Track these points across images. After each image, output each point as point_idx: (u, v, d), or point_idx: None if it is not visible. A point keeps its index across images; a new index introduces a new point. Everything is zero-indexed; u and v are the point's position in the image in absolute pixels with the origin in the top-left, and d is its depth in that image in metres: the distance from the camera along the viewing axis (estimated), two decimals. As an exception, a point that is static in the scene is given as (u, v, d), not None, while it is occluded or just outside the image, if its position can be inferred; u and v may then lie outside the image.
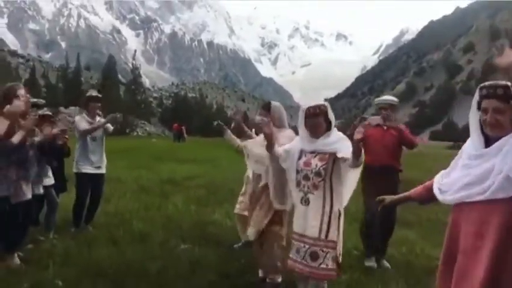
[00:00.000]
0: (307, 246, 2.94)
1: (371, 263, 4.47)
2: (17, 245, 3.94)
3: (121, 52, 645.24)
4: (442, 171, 2.34)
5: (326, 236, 2.90)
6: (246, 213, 4.52)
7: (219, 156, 18.05)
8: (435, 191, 2.27)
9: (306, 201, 2.99)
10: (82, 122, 5.25)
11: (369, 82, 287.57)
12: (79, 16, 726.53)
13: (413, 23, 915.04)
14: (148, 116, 68.69)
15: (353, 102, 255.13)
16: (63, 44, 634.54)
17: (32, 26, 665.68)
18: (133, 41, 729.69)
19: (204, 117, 71.74)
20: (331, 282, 3.17)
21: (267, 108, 3.66)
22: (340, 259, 2.97)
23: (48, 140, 4.14)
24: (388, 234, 4.62)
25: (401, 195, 2.60)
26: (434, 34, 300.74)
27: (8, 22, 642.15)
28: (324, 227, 2.90)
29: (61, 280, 3.54)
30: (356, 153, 2.75)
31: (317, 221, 2.92)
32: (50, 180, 4.64)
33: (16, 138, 3.55)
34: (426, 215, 7.55)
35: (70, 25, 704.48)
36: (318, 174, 2.95)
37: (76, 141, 5.28)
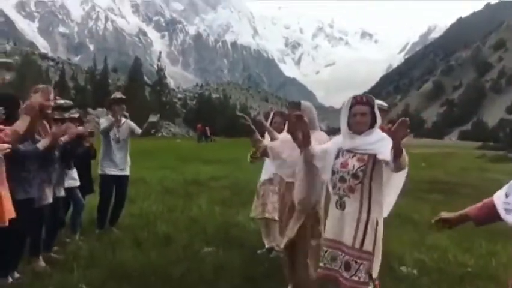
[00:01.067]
0: (343, 255, 2.70)
1: None
2: (40, 249, 3.96)
3: (147, 54, 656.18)
4: (505, 187, 2.00)
5: (361, 246, 2.62)
6: (266, 215, 4.54)
7: (243, 156, 17.92)
8: (501, 211, 1.94)
9: (341, 205, 2.75)
10: (104, 122, 5.27)
11: (395, 81, 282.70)
12: (107, 19, 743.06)
13: (441, 20, 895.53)
14: (172, 116, 69.53)
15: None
16: (91, 47, 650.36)
17: (61, 29, 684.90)
18: (158, 43, 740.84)
19: (227, 118, 72.02)
20: None
21: (297, 107, 3.37)
22: (375, 274, 2.65)
23: (73, 141, 4.15)
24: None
25: (458, 214, 2.24)
26: (462, 31, 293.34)
27: (39, 26, 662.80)
28: (360, 235, 2.64)
29: (85, 283, 3.54)
30: (395, 153, 2.46)
31: (352, 227, 2.67)
32: (75, 182, 4.67)
33: (42, 145, 3.55)
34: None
35: (98, 28, 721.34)
36: (355, 176, 2.70)
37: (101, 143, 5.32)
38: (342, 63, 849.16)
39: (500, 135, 76.88)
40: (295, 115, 2.86)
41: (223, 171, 13.36)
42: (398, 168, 2.55)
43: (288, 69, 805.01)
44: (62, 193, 4.23)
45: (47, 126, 3.82)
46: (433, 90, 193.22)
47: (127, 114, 5.64)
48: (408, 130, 2.41)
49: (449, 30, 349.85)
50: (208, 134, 41.74)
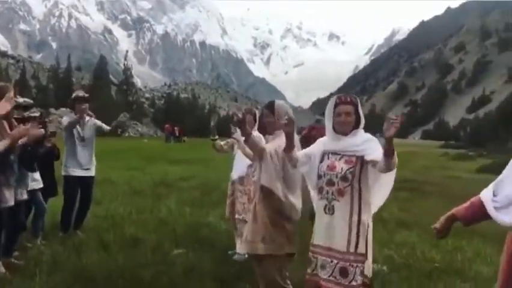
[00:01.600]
0: (335, 261, 2.58)
1: None
2: (1, 253, 3.75)
3: (113, 53, 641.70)
4: (491, 185, 2.02)
5: (356, 249, 2.55)
6: (236, 216, 4.49)
7: (212, 156, 17.88)
8: (490, 210, 1.94)
9: (330, 210, 2.63)
10: (66, 120, 5.06)
11: (361, 82, 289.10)
12: (70, 16, 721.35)
13: (405, 23, 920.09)
14: (140, 116, 68.31)
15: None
16: (54, 45, 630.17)
17: (22, 26, 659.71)
18: (124, 42, 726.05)
19: (196, 118, 71.44)
20: None
21: (271, 108, 3.25)
22: (370, 273, 2.61)
23: (34, 143, 3.96)
24: None
25: (445, 217, 2.20)
26: (425, 34, 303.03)
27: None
28: (353, 238, 2.56)
29: (48, 289, 3.37)
30: (386, 152, 2.39)
31: (345, 232, 2.57)
32: (37, 184, 4.44)
33: (1, 146, 3.36)
34: (423, 215, 7.49)
35: (61, 25, 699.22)
36: (344, 178, 2.60)
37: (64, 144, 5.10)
38: (311, 64, 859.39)
39: (461, 134, 79.99)
40: (288, 119, 2.72)
41: (192, 172, 13.20)
42: (388, 168, 2.47)
43: (257, 70, 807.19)
44: (25, 196, 4.02)
45: (6, 127, 3.61)
46: (397, 90, 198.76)
47: (91, 114, 5.44)
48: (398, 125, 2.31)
49: (412, 33, 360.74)
50: (177, 134, 41.26)
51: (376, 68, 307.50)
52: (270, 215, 3.06)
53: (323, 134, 5.27)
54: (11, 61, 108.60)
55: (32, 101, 4.54)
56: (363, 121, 2.72)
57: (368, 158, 2.58)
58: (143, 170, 13.19)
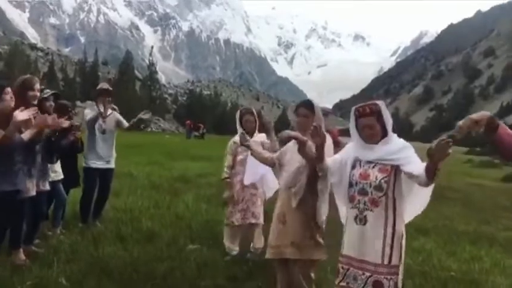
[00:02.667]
0: (368, 274, 2.47)
1: None
2: (20, 241, 3.87)
3: (139, 48, 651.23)
4: None
5: (389, 261, 2.45)
6: (253, 221, 4.47)
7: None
8: None
9: (362, 220, 2.52)
10: (90, 113, 5.18)
11: (386, 84, 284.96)
12: (99, 12, 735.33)
13: (432, 26, 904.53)
14: (162, 112, 69.12)
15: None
16: (82, 39, 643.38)
17: (52, 20, 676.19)
18: (150, 38, 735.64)
19: (218, 115, 71.85)
20: None
21: (310, 107, 3.10)
22: (400, 285, 2.51)
23: (58, 134, 4.07)
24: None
25: (480, 118, 2.13)
26: (453, 37, 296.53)
27: (30, 16, 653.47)
28: (387, 250, 2.45)
29: (65, 278, 3.46)
30: (431, 174, 2.26)
31: (379, 244, 2.46)
32: (57, 175, 4.56)
33: (26, 136, 3.47)
34: (442, 221, 7.36)
35: (90, 20, 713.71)
36: (378, 188, 2.48)
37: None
38: (334, 65, 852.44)
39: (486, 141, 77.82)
40: (314, 127, 2.60)
41: (211, 168, 13.26)
42: (426, 185, 2.38)
43: (280, 69, 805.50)
44: (47, 187, 4.14)
45: (32, 117, 3.72)
46: (423, 94, 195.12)
47: (115, 107, 5.55)
48: (450, 150, 2.16)
49: (440, 36, 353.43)
50: (202, 132, 41.44)
51: (401, 70, 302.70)
52: (303, 219, 3.04)
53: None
54: (40, 54, 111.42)
55: (50, 91, 4.64)
56: (390, 126, 2.54)
57: (404, 169, 2.44)
58: (163, 165, 13.35)
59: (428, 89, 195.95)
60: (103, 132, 5.23)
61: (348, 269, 2.57)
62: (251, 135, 4.29)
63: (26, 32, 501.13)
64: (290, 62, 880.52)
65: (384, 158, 2.50)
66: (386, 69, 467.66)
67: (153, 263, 3.99)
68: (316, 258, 3.09)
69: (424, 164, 2.32)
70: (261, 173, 4.37)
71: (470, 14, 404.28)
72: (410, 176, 2.40)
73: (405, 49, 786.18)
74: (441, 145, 2.15)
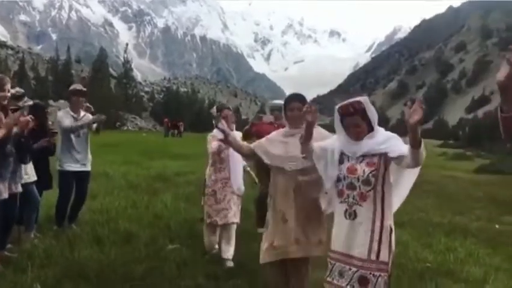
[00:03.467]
0: (354, 269, 2.43)
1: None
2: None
3: (113, 45, 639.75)
4: None
5: (377, 257, 2.39)
6: (234, 220, 4.35)
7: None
8: None
9: (351, 215, 2.47)
10: (65, 118, 5.04)
11: (362, 79, 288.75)
12: (71, 8, 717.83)
13: (406, 21, 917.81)
14: (139, 110, 68.24)
15: (345, 98, 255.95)
16: (54, 36, 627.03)
17: (22, 17, 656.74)
18: (125, 35, 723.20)
19: (195, 112, 71.33)
20: None
21: (303, 100, 3.02)
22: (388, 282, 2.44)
23: (27, 133, 3.95)
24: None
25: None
26: (426, 32, 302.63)
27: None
28: (375, 246, 2.40)
29: (40, 283, 3.37)
30: (412, 143, 2.20)
31: (366, 238, 2.42)
32: (30, 177, 4.43)
33: None
34: (417, 214, 7.53)
35: (61, 17, 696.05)
36: (367, 182, 2.44)
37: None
38: (311, 61, 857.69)
39: (459, 133, 79.93)
40: (311, 107, 2.57)
41: (189, 167, 13.18)
42: (415, 162, 2.30)
43: (257, 65, 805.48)
44: (19, 189, 4.01)
45: (2, 117, 3.60)
46: (398, 89, 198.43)
47: (90, 106, 5.43)
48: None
49: (413, 31, 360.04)
50: (180, 130, 41.02)
51: (376, 65, 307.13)
52: (307, 211, 2.95)
53: (261, 131, 5.33)
54: (10, 52, 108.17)
55: (23, 90, 4.53)
56: (376, 120, 2.51)
57: (392, 155, 2.40)
58: (141, 164, 13.19)
59: (403, 84, 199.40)
60: (78, 135, 5.11)
61: (334, 264, 2.53)
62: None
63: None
64: (267, 58, 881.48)
65: (371, 151, 2.46)
66: (361, 64, 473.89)
67: (131, 264, 3.93)
68: (317, 255, 2.99)
69: (408, 146, 2.30)
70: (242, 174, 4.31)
71: (442, 9, 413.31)
72: (399, 158, 2.36)
73: (379, 45, 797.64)
74: (411, 109, 2.12)
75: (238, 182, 4.36)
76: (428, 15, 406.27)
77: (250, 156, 3.34)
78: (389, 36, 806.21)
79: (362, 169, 2.46)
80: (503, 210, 8.70)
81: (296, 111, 2.99)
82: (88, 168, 5.27)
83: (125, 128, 52.19)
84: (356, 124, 2.48)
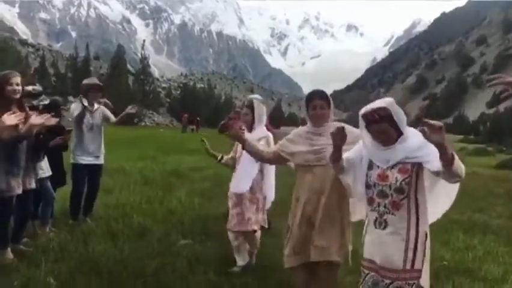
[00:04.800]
0: (387, 281, 2.31)
1: None
2: (8, 240, 3.81)
3: (131, 42, 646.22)
4: None
5: (412, 266, 2.27)
6: (250, 228, 3.89)
7: (226, 148, 17.91)
8: None
9: (382, 224, 2.34)
10: (76, 109, 5.08)
11: (379, 74, 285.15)
12: (89, 6, 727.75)
13: (425, 15, 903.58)
14: (156, 106, 68.76)
15: (362, 94, 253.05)
16: (73, 34, 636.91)
17: (43, 15, 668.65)
18: (142, 31, 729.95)
19: (212, 108, 71.61)
20: None
21: (325, 97, 2.91)
22: (426, 286, 2.34)
23: (47, 133, 4.02)
24: None
25: None
26: (446, 26, 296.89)
27: (20, 11, 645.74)
28: (410, 255, 2.27)
29: (53, 277, 3.40)
30: (445, 161, 2.06)
31: (400, 249, 2.28)
32: (45, 172, 4.48)
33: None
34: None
35: (80, 15, 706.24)
36: (399, 190, 2.29)
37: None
38: (328, 56, 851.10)
39: (480, 129, 78.43)
40: (339, 129, 2.44)
41: (205, 162, 13.18)
42: (454, 178, 2.16)
43: (274, 61, 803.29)
44: (33, 185, 4.06)
45: (17, 111, 3.64)
46: (416, 83, 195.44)
47: (108, 102, 5.47)
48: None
49: (432, 25, 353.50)
50: (196, 126, 41.14)
51: (395, 60, 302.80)
52: (332, 214, 2.86)
53: (238, 124, 5.47)
54: (31, 49, 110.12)
55: (41, 89, 4.57)
56: (404, 124, 2.34)
57: (429, 167, 2.25)
58: (157, 160, 13.27)
59: (422, 78, 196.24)
60: (91, 127, 5.15)
61: (367, 274, 2.42)
62: (249, 130, 3.98)
63: (16, 28, 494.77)
64: (284, 53, 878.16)
65: (404, 159, 2.30)
66: (379, 59, 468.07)
67: (144, 260, 3.94)
68: (338, 260, 2.89)
69: None
70: (252, 178, 3.89)
71: (462, 2, 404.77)
72: (438, 173, 2.20)
73: (398, 39, 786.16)
74: (430, 128, 2.00)
75: (239, 181, 3.93)
76: (448, 9, 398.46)
77: (273, 160, 3.19)
78: (408, 30, 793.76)
79: (394, 176, 2.31)
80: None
81: (319, 109, 2.86)
82: (101, 161, 5.31)
83: (143, 123, 52.69)
84: (383, 130, 2.32)
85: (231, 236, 3.99)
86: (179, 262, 3.98)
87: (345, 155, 2.56)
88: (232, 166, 4.29)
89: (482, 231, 6.10)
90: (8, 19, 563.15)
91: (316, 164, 2.85)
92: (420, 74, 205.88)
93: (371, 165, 2.41)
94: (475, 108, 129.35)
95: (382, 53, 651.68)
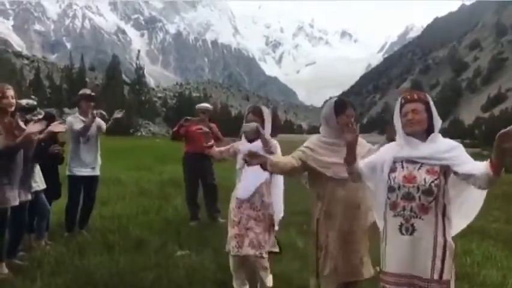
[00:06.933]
0: None
1: None
2: (3, 254, 3.76)
3: (126, 52, 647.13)
4: None
5: (440, 277, 2.14)
6: (247, 252, 3.35)
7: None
8: None
9: (408, 230, 2.18)
10: (75, 122, 5.07)
11: (374, 80, 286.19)
12: (84, 17, 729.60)
13: (418, 20, 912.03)
14: (152, 115, 68.81)
15: (358, 100, 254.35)
16: (68, 45, 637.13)
17: (37, 27, 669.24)
18: (137, 41, 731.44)
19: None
20: None
21: (344, 105, 2.77)
22: None
23: (47, 141, 4.00)
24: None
25: None
26: (439, 31, 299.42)
27: (14, 24, 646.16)
28: (438, 264, 2.14)
29: (49, 291, 3.36)
30: (495, 169, 1.98)
31: (428, 256, 2.16)
32: (39, 185, 4.45)
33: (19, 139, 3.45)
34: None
35: (75, 26, 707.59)
36: (428, 192, 2.16)
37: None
38: (323, 63, 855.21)
39: (476, 132, 78.85)
40: (351, 127, 2.34)
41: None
42: (490, 185, 2.07)
43: (269, 68, 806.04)
44: (29, 197, 4.03)
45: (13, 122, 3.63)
46: (411, 88, 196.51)
47: (104, 113, 5.46)
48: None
49: (426, 30, 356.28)
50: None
51: (389, 65, 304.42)
52: (365, 231, 2.78)
53: (190, 132, 5.90)
54: (26, 61, 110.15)
55: (35, 103, 4.56)
56: (438, 124, 2.27)
57: (459, 169, 2.14)
58: (153, 170, 13.22)
59: (416, 83, 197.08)
60: (87, 139, 5.13)
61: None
62: (252, 141, 3.51)
63: (10, 40, 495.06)
64: (278, 61, 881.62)
65: (433, 157, 2.19)
66: (374, 65, 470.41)
67: (140, 272, 3.90)
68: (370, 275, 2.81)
69: (481, 163, 2.08)
70: (257, 184, 3.42)
71: (454, 7, 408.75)
72: (468, 176, 2.10)
73: (392, 44, 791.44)
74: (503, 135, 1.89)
75: (247, 186, 3.44)
76: (441, 14, 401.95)
77: (298, 171, 2.86)
78: (402, 36, 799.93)
79: (423, 177, 2.18)
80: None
81: (352, 119, 2.68)
82: (97, 172, 5.28)
83: (139, 133, 52.62)
84: (416, 109, 2.23)
85: (230, 261, 3.49)
86: (177, 273, 3.94)
87: (365, 160, 2.47)
88: (217, 159, 3.94)
89: (480, 235, 6.09)
90: (2, 31, 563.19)
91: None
92: (415, 79, 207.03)
93: (394, 168, 2.27)
94: (469, 112, 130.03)
95: (376, 59, 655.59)
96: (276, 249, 3.54)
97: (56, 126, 3.69)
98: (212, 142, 3.76)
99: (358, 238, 2.73)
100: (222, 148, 3.83)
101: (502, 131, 1.90)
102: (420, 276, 2.17)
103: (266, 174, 3.33)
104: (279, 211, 3.55)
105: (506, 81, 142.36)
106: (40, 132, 3.62)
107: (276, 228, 3.54)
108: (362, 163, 2.44)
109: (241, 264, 3.45)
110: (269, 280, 3.44)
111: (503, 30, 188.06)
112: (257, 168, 3.03)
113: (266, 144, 3.21)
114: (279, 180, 3.53)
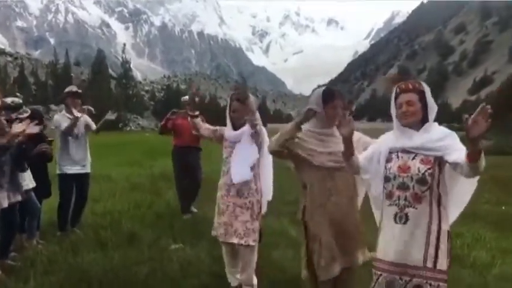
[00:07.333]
0: (407, 278, 2.18)
1: None
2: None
3: (111, 46, 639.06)
4: None
5: (434, 265, 2.14)
6: (234, 240, 3.29)
7: (213, 148, 17.83)
8: None
9: (402, 219, 2.20)
10: (63, 121, 5.01)
11: (362, 67, 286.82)
12: (67, 11, 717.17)
13: (404, 5, 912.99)
14: (140, 109, 68.44)
15: (345, 87, 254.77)
16: (52, 41, 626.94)
17: (19, 23, 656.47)
18: (122, 35, 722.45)
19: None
20: None
21: (343, 97, 2.75)
22: None
23: (30, 142, 3.93)
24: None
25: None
26: (424, 16, 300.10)
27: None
28: (431, 252, 2.15)
29: (43, 291, 3.35)
30: (471, 155, 1.99)
31: (421, 243, 2.17)
32: (28, 184, 4.39)
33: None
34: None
35: (58, 21, 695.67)
36: (422, 181, 2.18)
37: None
38: (310, 51, 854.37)
39: (464, 116, 79.72)
40: (343, 118, 2.33)
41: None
42: (473, 174, 2.09)
43: (257, 58, 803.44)
44: (18, 197, 3.98)
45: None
46: (398, 74, 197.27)
47: (91, 108, 5.39)
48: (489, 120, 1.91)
49: (411, 15, 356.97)
50: None
51: (376, 52, 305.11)
52: (356, 215, 2.80)
53: (176, 125, 5.93)
54: (9, 59, 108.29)
55: (21, 101, 4.48)
56: (433, 113, 2.28)
57: (448, 158, 2.16)
58: (143, 165, 13.17)
59: (403, 69, 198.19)
60: (76, 137, 5.07)
61: (380, 275, 2.26)
62: (239, 128, 3.35)
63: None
64: (266, 50, 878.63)
65: (425, 147, 2.20)
66: (361, 52, 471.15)
67: (134, 267, 3.90)
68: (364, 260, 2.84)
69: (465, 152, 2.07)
70: (253, 162, 3.28)
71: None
72: (455, 166, 2.12)
73: (378, 31, 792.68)
74: (477, 115, 1.90)
75: (239, 169, 3.26)
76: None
77: (280, 155, 2.80)
78: (388, 22, 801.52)
79: (416, 167, 2.20)
80: (509, 192, 8.62)
81: (340, 109, 2.67)
82: (88, 169, 5.24)
83: (128, 128, 52.28)
84: (410, 101, 2.24)
85: (222, 248, 3.49)
86: (171, 267, 3.95)
87: (364, 153, 2.47)
88: (203, 137, 3.74)
89: (471, 217, 6.18)
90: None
91: (338, 166, 2.65)
92: (402, 64, 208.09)
93: (390, 158, 2.30)
94: (457, 96, 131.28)
95: (363, 46, 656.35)
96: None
97: (31, 128, 3.59)
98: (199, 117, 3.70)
99: (351, 227, 2.73)
100: (209, 126, 3.70)
101: (468, 122, 1.93)
102: (412, 265, 2.17)
103: (256, 155, 3.26)
104: (267, 194, 3.45)
105: (492, 64, 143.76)
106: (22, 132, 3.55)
107: (264, 209, 3.45)
108: (360, 156, 2.45)
109: (230, 250, 3.43)
110: (252, 277, 3.42)
111: (488, 13, 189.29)
112: (245, 151, 3.16)
113: (253, 125, 3.15)
114: (268, 159, 3.37)
